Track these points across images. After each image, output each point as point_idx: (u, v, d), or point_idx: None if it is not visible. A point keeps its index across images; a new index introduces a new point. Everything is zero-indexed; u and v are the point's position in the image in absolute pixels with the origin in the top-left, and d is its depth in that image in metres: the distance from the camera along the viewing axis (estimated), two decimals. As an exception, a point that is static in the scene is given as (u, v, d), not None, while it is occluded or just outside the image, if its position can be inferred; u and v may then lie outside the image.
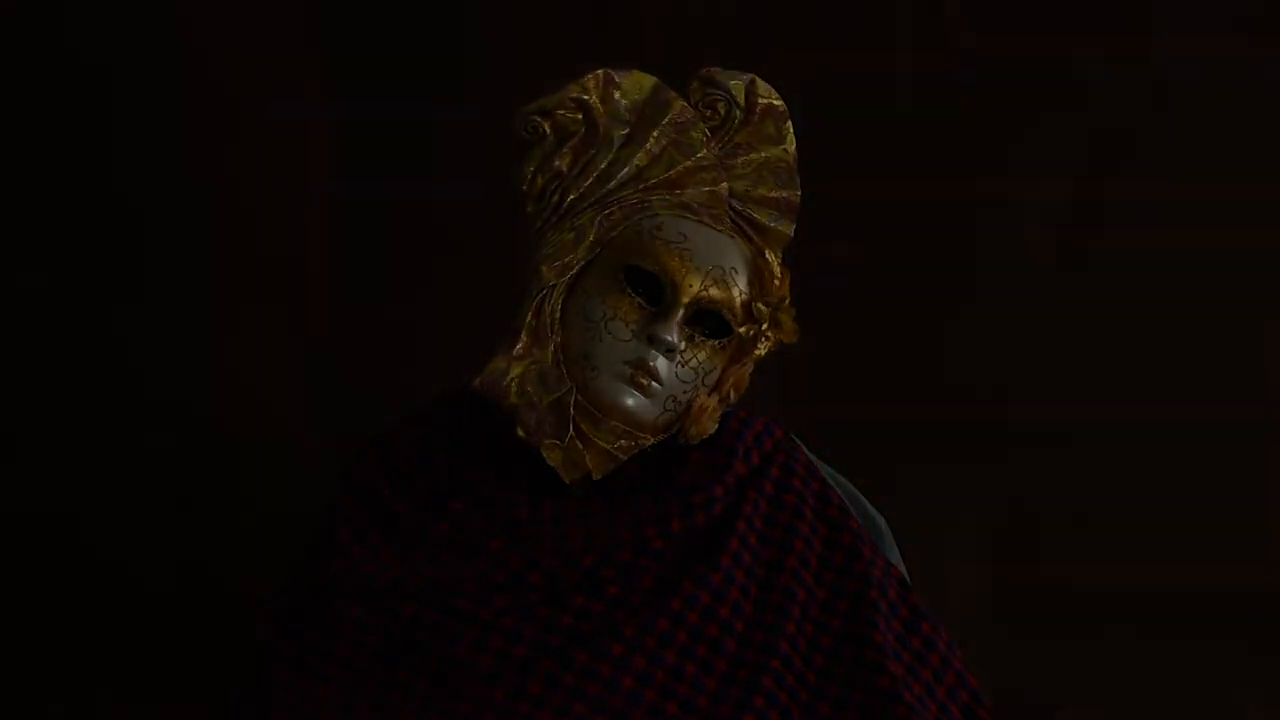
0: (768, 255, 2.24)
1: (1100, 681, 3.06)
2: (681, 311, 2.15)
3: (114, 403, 3.05)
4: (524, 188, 2.20)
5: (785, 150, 2.27)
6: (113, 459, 3.03)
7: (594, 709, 2.01)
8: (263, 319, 3.12)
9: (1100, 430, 3.18)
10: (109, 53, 3.09)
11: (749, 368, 2.22)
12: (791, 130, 2.27)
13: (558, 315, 2.17)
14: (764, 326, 2.21)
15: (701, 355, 2.17)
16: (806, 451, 2.27)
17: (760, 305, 2.20)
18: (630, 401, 2.14)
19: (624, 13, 3.17)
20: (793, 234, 2.27)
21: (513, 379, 2.14)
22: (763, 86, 2.26)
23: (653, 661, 2.04)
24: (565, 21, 3.17)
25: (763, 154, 2.26)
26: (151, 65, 3.09)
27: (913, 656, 2.15)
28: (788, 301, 2.23)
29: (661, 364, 2.14)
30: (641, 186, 2.20)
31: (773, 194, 2.26)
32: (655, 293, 2.15)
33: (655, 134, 2.20)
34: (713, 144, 2.24)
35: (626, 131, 2.20)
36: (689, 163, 2.21)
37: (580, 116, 2.18)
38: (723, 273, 2.17)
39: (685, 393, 2.17)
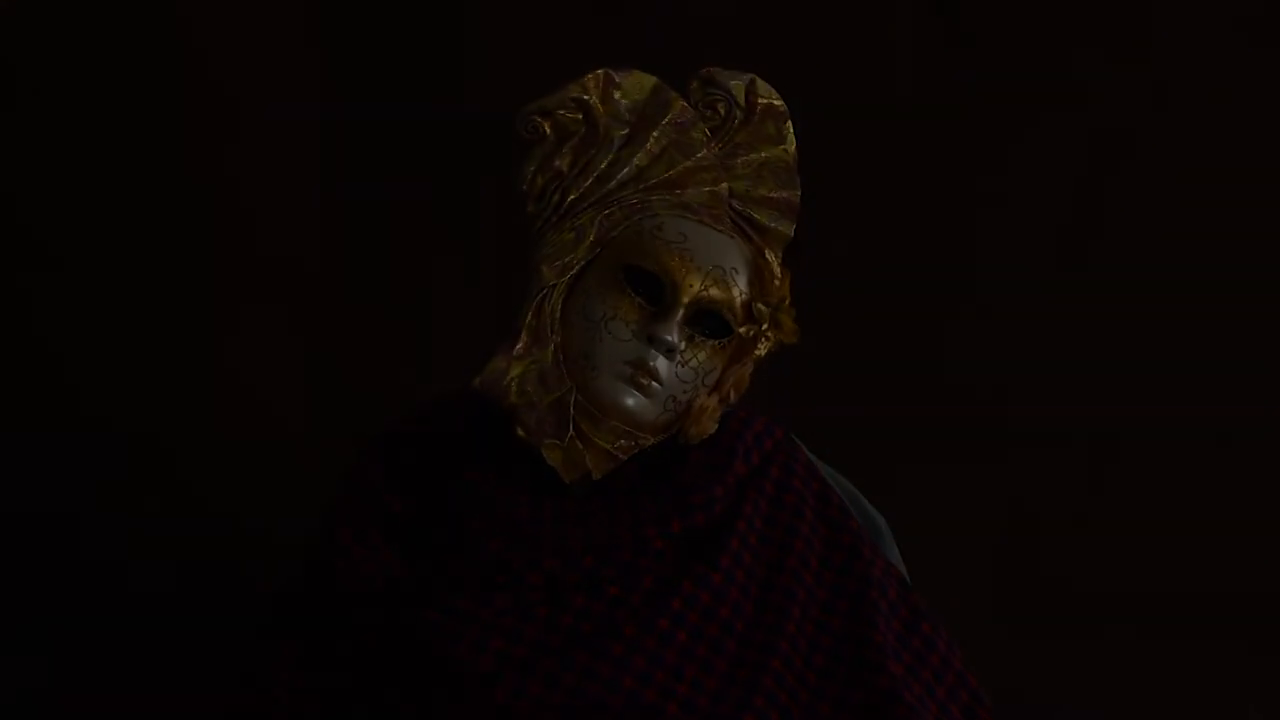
0: (768, 255, 2.24)
1: (1100, 681, 3.06)
2: (681, 311, 2.15)
3: (114, 402, 3.05)
4: (524, 187, 2.20)
5: (785, 150, 2.27)
6: (113, 459, 3.03)
7: (594, 709, 2.01)
8: (263, 319, 3.12)
9: (1100, 430, 3.18)
10: (109, 53, 3.09)
11: (749, 368, 2.22)
12: (791, 130, 2.27)
13: (558, 315, 2.17)
14: (764, 326, 2.20)
15: (701, 355, 2.17)
16: (806, 451, 2.27)
17: (760, 305, 2.19)
18: (630, 401, 2.14)
19: (624, 13, 3.16)
20: (793, 234, 2.27)
21: (513, 379, 2.14)
22: (763, 86, 2.25)
23: (653, 661, 2.04)
24: (565, 22, 3.16)
25: (763, 154, 2.26)
26: (151, 65, 3.09)
27: (913, 656, 2.15)
28: (788, 301, 2.22)
29: (661, 364, 2.14)
30: (642, 186, 2.20)
31: (773, 194, 2.26)
32: (655, 293, 2.15)
33: (655, 134, 2.20)
34: (713, 144, 2.23)
35: (627, 131, 2.20)
36: (689, 163, 2.21)
37: (580, 116, 2.18)
38: (723, 273, 2.17)
39: (685, 393, 2.16)
